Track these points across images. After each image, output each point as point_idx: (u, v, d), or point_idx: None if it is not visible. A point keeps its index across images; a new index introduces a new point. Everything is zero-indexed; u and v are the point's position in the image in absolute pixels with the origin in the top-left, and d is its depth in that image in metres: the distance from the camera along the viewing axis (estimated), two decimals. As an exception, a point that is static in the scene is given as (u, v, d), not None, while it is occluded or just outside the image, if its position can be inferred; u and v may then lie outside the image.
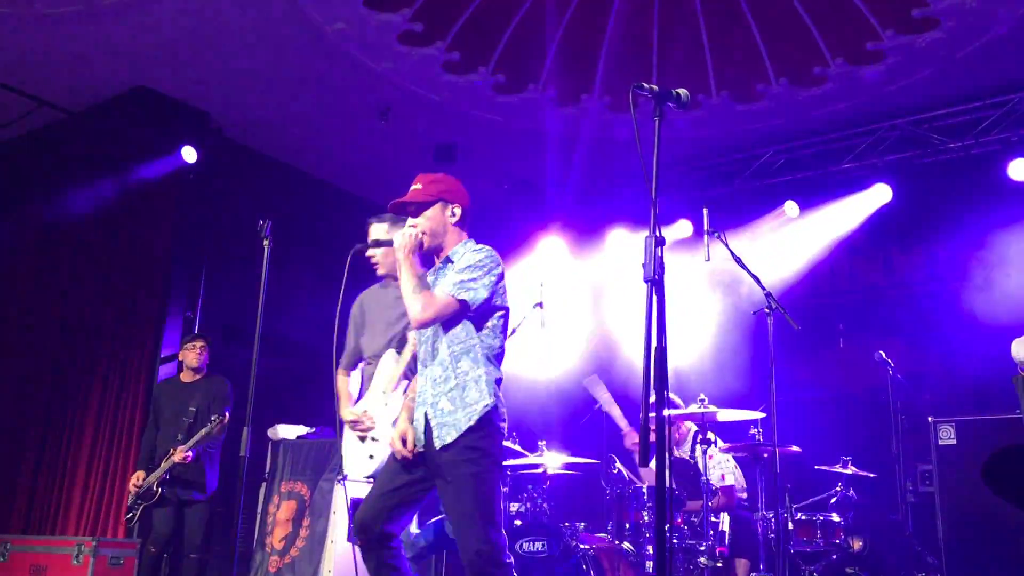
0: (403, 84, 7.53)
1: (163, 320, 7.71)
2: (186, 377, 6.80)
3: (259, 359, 4.23)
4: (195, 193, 7.96)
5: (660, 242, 2.70)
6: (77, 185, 8.01)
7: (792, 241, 8.17)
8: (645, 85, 2.79)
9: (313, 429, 7.75)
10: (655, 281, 2.67)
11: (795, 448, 5.41)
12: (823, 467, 5.92)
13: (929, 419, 6.12)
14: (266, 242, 4.39)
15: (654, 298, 2.65)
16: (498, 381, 3.50)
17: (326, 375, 8.85)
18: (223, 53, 7.18)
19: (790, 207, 7.89)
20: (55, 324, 8.14)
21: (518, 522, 5.98)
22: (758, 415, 5.42)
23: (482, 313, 3.50)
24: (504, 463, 5.09)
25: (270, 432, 7.63)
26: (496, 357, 3.54)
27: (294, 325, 8.47)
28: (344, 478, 7.28)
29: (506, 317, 3.64)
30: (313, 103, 7.89)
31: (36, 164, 8.22)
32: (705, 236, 5.21)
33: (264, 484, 7.48)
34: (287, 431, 7.59)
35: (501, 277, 3.61)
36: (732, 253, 5.13)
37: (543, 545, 5.54)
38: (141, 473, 6.50)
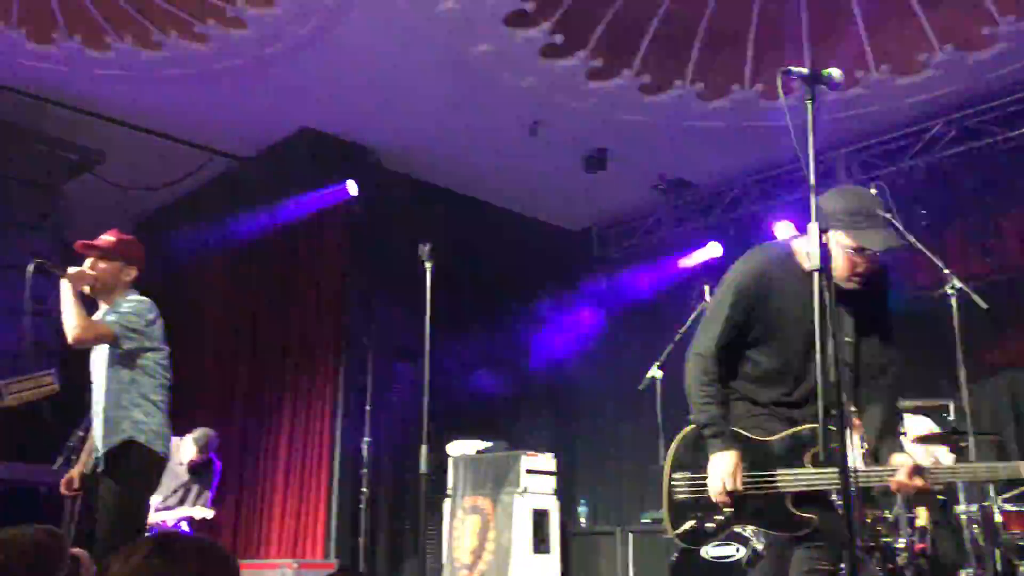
0: (549, 96, 7.58)
1: (342, 343, 8.05)
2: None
3: (431, 378, 4.34)
4: (360, 223, 8.31)
5: (825, 230, 2.62)
6: (254, 222, 8.51)
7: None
8: (793, 69, 2.71)
9: (490, 444, 7.88)
10: (822, 269, 2.59)
11: (994, 436, 5.06)
12: (1029, 454, 5.51)
13: None
14: (428, 265, 4.53)
15: (823, 286, 2.56)
16: None
17: (500, 391, 9.03)
18: (376, 89, 7.47)
19: None
20: (246, 352, 8.69)
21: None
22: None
23: None
24: None
25: (449, 448, 7.81)
26: None
27: (465, 344, 8.66)
28: (524, 491, 7.39)
29: None
30: (464, 126, 8.07)
31: (217, 208, 8.80)
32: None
33: (447, 500, 7.68)
34: (464, 447, 7.73)
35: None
36: (905, 234, 4.86)
37: (733, 549, 5.43)
38: None
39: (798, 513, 2.97)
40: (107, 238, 4.33)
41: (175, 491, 6.36)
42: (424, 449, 4.39)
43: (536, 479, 7.48)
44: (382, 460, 8.05)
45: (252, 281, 8.92)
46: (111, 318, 4.15)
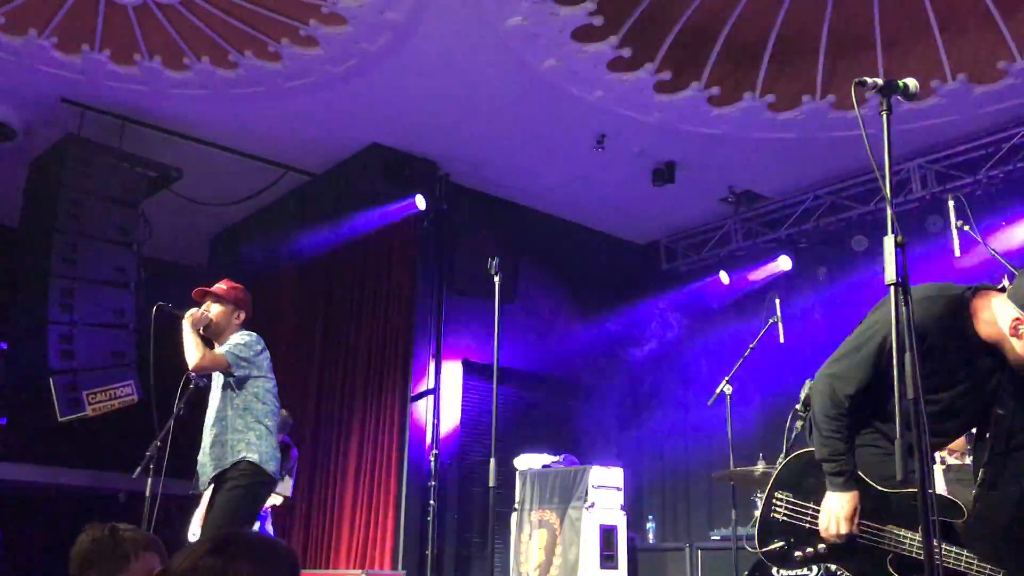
0: (616, 110, 7.57)
1: (410, 356, 8.12)
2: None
3: (499, 391, 4.36)
4: (429, 237, 8.40)
5: (901, 243, 2.55)
6: (325, 236, 8.66)
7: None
8: (868, 80, 2.66)
9: (559, 458, 7.86)
10: (899, 284, 2.52)
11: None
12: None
13: None
14: (496, 277, 4.57)
15: (899, 301, 2.50)
16: None
17: (567, 405, 9.01)
18: (445, 104, 7.55)
19: None
20: (315, 364, 8.84)
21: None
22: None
23: None
24: None
25: (516, 462, 7.80)
26: None
27: (531, 357, 8.67)
28: (592, 505, 7.35)
29: None
30: (531, 140, 8.10)
31: (289, 222, 8.98)
32: (953, 230, 4.86)
33: (515, 514, 7.68)
34: (531, 460, 7.71)
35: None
36: (986, 245, 4.73)
37: (805, 569, 5.31)
38: None
39: None
40: (220, 286, 4.95)
41: None
42: (492, 462, 4.41)
43: (604, 494, 7.44)
44: (449, 472, 8.09)
45: (322, 294, 9.08)
46: (223, 348, 4.69)
